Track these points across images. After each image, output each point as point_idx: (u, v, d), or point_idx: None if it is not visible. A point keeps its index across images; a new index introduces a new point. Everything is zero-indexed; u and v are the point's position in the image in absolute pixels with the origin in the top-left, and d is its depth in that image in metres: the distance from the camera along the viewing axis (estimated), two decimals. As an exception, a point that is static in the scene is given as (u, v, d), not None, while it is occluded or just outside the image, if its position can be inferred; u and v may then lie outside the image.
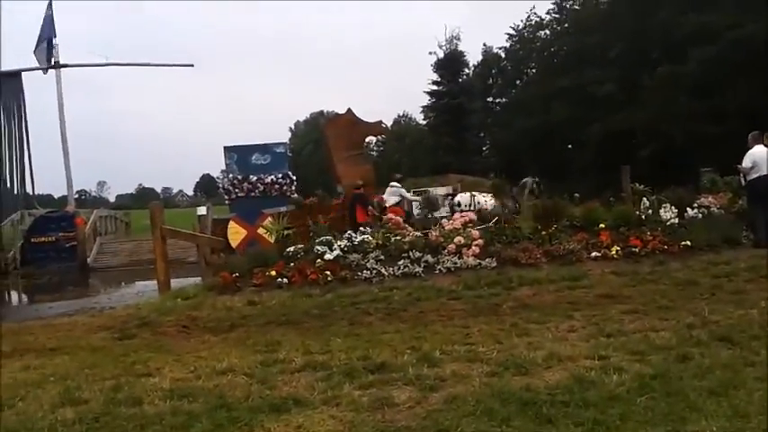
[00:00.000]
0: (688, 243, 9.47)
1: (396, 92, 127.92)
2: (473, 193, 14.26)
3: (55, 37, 25.41)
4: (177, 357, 5.72)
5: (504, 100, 51.11)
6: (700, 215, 10.67)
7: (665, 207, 10.57)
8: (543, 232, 9.93)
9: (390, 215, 11.13)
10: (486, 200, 13.73)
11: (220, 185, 17.32)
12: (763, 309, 6.16)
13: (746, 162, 10.20)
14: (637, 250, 9.28)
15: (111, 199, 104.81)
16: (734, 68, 26.93)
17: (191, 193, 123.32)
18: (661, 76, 30.76)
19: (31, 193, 25.43)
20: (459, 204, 13.54)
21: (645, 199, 11.20)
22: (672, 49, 31.05)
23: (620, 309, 6.55)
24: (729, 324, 5.63)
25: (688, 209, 10.72)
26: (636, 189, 11.98)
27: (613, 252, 9.24)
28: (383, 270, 8.93)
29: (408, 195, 15.35)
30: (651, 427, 3.45)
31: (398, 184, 15.37)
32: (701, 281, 7.73)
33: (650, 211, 10.65)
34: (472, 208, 13.27)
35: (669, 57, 31.10)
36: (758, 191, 10.10)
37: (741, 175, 10.65)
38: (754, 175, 10.10)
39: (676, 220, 10.30)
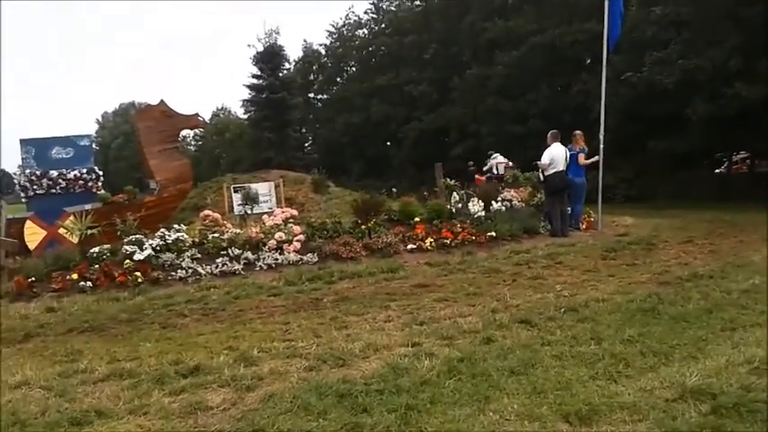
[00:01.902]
0: (493, 234, 10.21)
1: (215, 85, 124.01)
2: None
3: None
4: (-40, 373, 5.03)
5: (325, 96, 51.48)
6: (503, 208, 11.52)
7: (473, 201, 11.26)
8: (363, 226, 10.13)
9: None
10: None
11: (17, 182, 15.58)
12: (558, 292, 6.79)
13: (545, 159, 11.15)
14: (448, 242, 9.82)
15: None
16: (536, 72, 29.33)
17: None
18: (470, 77, 32.74)
19: None
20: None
21: (455, 193, 11.84)
22: (480, 53, 33.14)
23: (433, 297, 6.86)
24: (528, 307, 6.12)
25: (493, 202, 11.52)
26: (448, 184, 12.64)
27: (427, 244, 9.68)
28: (200, 269, 8.56)
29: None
30: (458, 407, 3.63)
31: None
32: (504, 268, 8.36)
33: (460, 205, 11.28)
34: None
35: (478, 59, 33.18)
36: (555, 185, 11.11)
37: (540, 170, 11.62)
38: (552, 171, 11.07)
39: (483, 213, 11.02)
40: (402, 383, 4.01)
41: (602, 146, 11.49)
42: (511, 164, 18.60)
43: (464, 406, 3.65)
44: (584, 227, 11.70)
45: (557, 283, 7.29)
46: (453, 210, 11.12)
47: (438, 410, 3.59)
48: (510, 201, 11.83)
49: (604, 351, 4.50)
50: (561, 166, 11.02)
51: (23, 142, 14.60)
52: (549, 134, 11.51)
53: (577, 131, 11.83)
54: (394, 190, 13.33)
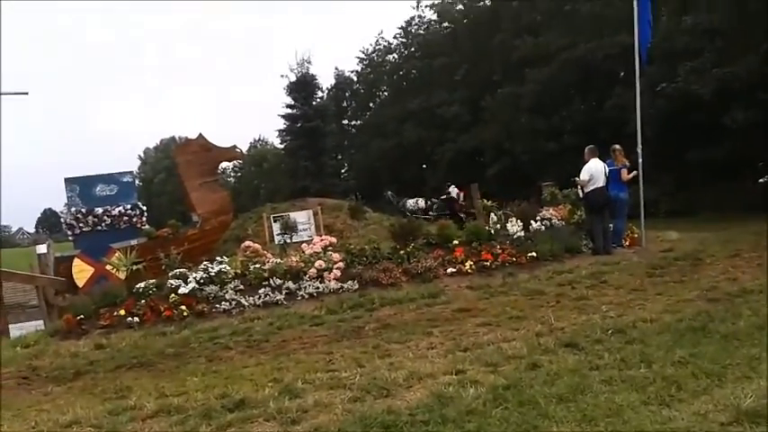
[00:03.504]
0: (534, 254, 10.08)
1: (251, 116, 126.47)
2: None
3: None
4: (17, 412, 5.18)
5: (359, 122, 51.94)
6: (543, 227, 11.36)
7: (511, 221, 11.13)
8: (401, 251, 10.11)
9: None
10: None
11: (63, 220, 16.04)
12: (604, 313, 6.66)
13: (584, 175, 10.96)
14: (488, 264, 9.73)
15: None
16: (568, 88, 29.10)
17: (32, 230, 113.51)
18: (502, 96, 32.69)
19: None
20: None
21: (493, 214, 11.75)
22: (511, 71, 33.08)
23: (476, 322, 6.82)
24: (574, 330, 6.01)
25: (532, 221, 11.38)
26: (485, 205, 12.56)
27: (467, 267, 9.61)
28: (243, 300, 8.66)
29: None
30: (506, 437, 3.58)
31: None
32: (547, 290, 8.24)
33: (498, 226, 11.18)
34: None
35: (509, 78, 33.12)
36: (596, 202, 10.92)
37: (579, 187, 11.44)
38: (591, 187, 10.89)
39: (522, 233, 10.88)
40: (448, 413, 3.97)
41: (640, 159, 11.29)
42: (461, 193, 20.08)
43: (512, 435, 3.60)
44: (627, 244, 11.47)
45: (602, 304, 7.16)
46: (492, 231, 11.02)
47: (485, 440, 3.55)
48: (549, 219, 11.67)
49: (655, 374, 4.40)
50: (601, 183, 10.84)
51: (68, 181, 15.03)
52: (586, 150, 11.33)
53: (617, 146, 11.61)
54: (431, 213, 13.30)
